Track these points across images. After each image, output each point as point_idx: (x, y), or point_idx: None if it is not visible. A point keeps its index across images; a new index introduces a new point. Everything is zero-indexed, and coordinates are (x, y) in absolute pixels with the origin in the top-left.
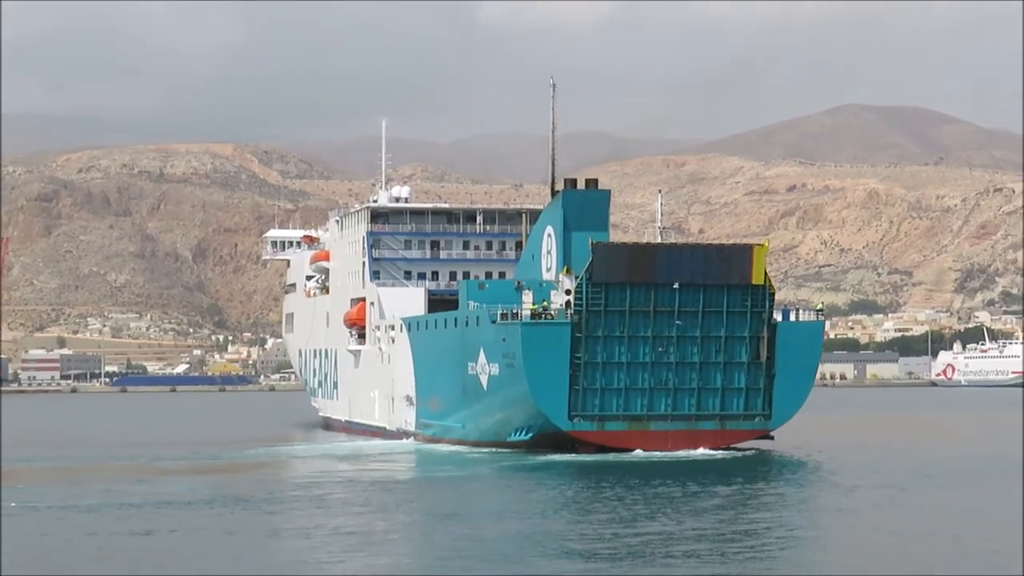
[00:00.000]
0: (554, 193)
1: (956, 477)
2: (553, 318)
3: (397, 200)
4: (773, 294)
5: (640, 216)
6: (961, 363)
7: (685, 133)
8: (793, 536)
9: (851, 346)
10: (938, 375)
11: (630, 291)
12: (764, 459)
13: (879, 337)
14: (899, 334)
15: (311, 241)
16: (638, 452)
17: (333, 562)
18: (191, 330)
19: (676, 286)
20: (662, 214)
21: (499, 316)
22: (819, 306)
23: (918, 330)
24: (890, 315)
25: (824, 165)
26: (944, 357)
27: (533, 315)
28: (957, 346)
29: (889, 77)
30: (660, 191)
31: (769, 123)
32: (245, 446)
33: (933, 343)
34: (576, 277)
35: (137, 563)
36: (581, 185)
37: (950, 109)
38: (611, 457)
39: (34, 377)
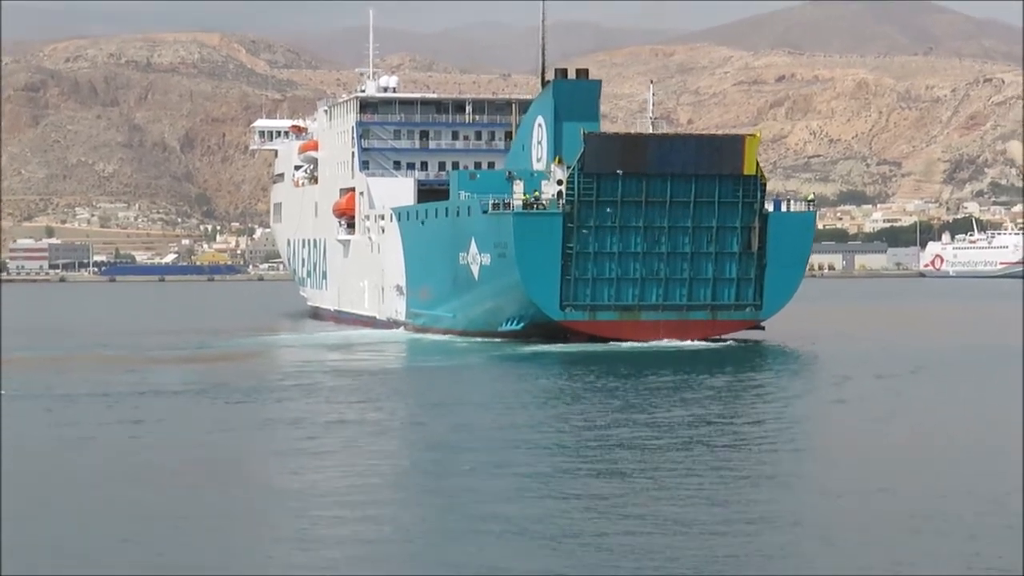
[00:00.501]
0: (544, 84)
1: (949, 368)
2: (545, 208)
3: (385, 90)
4: (765, 185)
5: (628, 106)
6: (950, 254)
7: (673, 23)
8: (787, 429)
9: (840, 237)
10: (926, 266)
11: (622, 181)
12: (756, 350)
13: (868, 228)
14: (888, 225)
15: (299, 131)
16: (629, 343)
17: (325, 452)
18: (179, 220)
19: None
20: (651, 104)
21: (491, 206)
22: (810, 196)
23: (907, 221)
24: (879, 206)
25: (813, 55)
26: (932, 248)
27: (525, 205)
28: (946, 237)
29: None
30: (652, 81)
31: (758, 13)
32: (235, 335)
33: (922, 234)
34: (568, 167)
35: (124, 455)
36: (572, 76)
37: None
38: (600, 347)
39: (22, 266)
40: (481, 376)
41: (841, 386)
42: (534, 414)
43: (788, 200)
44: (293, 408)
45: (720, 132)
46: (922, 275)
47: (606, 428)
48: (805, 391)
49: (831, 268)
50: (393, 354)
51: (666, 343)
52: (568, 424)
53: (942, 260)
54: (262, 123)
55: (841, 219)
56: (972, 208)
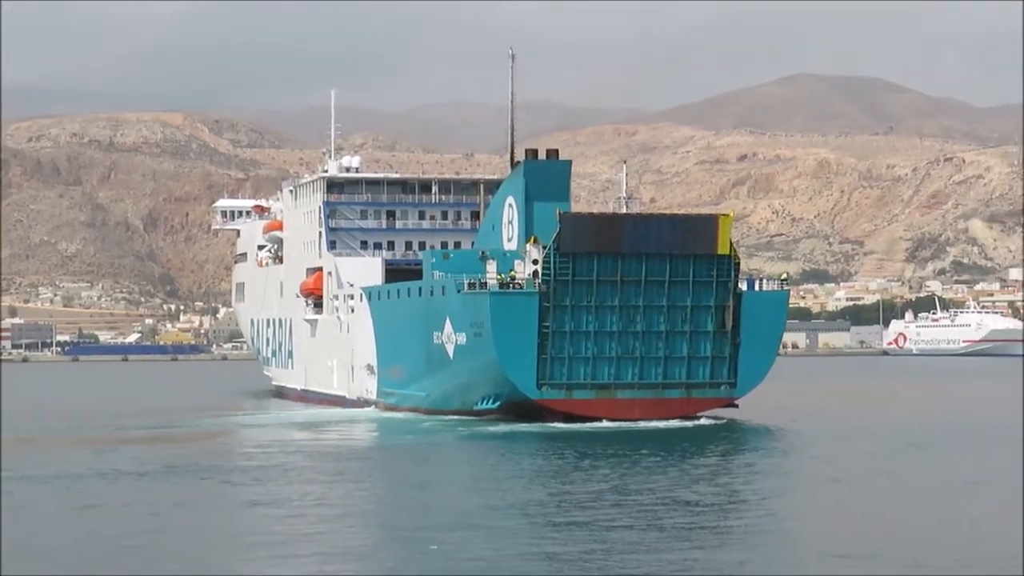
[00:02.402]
0: (514, 163)
1: (933, 446)
2: (521, 287)
3: (348, 170)
4: (738, 264)
5: (591, 185)
6: (913, 332)
7: (636, 103)
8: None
9: (803, 315)
10: (890, 344)
11: (597, 261)
12: (733, 428)
13: (831, 306)
14: (851, 303)
15: (262, 211)
16: (605, 422)
17: (311, 534)
18: (143, 299)
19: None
20: (615, 184)
21: (466, 286)
22: (783, 275)
23: (869, 299)
24: (841, 284)
25: (775, 134)
26: (896, 326)
27: (501, 285)
28: (909, 315)
29: (837, 46)
30: (624, 161)
31: (719, 92)
32: (202, 414)
33: (885, 312)
34: (543, 247)
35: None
36: (542, 155)
37: (899, 79)
38: (579, 427)
39: None
40: (458, 455)
41: (831, 464)
42: (517, 493)
43: (761, 279)
44: (275, 489)
45: (683, 211)
46: (886, 353)
47: (597, 509)
48: (795, 471)
49: (795, 346)
50: (367, 433)
51: (644, 424)
52: (547, 501)
53: (905, 338)
54: (224, 203)
55: (804, 297)
56: (935, 286)
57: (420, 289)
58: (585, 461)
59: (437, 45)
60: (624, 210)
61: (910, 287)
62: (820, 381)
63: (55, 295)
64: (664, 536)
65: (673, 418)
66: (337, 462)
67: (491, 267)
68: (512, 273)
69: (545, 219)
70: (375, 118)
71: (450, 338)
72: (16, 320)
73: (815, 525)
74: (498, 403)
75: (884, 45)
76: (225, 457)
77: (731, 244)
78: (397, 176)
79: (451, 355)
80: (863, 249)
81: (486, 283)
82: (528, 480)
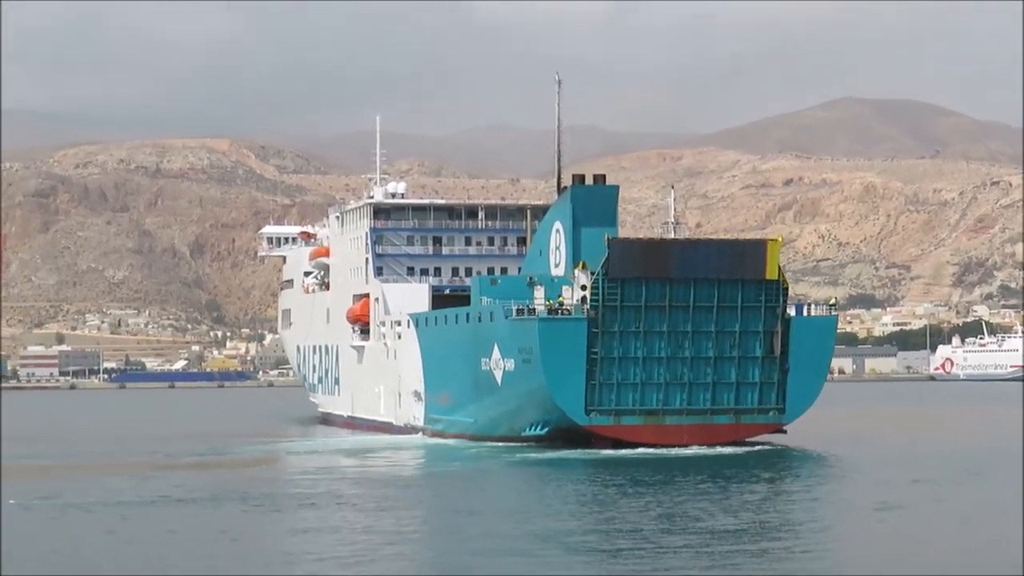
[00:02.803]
0: (561, 189)
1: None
2: (569, 313)
3: (393, 196)
4: (787, 289)
5: (636, 210)
6: (960, 357)
7: (681, 127)
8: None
9: (849, 340)
10: (937, 369)
11: (646, 286)
12: (781, 454)
13: (877, 331)
14: (897, 328)
15: (308, 237)
16: (647, 448)
17: (364, 561)
18: (189, 326)
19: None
20: (660, 209)
21: (515, 312)
22: (832, 301)
23: (916, 324)
24: (888, 309)
25: (821, 159)
26: (943, 351)
27: (549, 311)
28: (956, 340)
29: (884, 70)
30: (672, 186)
31: (765, 116)
32: (249, 441)
33: (931, 337)
34: (592, 273)
35: (145, 565)
36: (589, 181)
37: (944, 102)
38: (626, 453)
39: (33, 373)
40: (508, 481)
41: (882, 490)
42: (581, 521)
43: (809, 304)
44: (332, 516)
45: (729, 236)
46: (932, 378)
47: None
48: (846, 497)
49: (841, 372)
50: (414, 459)
51: (692, 451)
52: (596, 528)
53: (952, 363)
54: (270, 229)
55: (851, 323)
56: (981, 311)
57: (468, 315)
58: (633, 488)
59: (480, 69)
60: (672, 235)
61: (957, 312)
62: (868, 406)
63: (102, 322)
64: (713, 564)
65: (721, 444)
66: (386, 488)
67: (539, 293)
68: (560, 299)
69: (593, 244)
70: (420, 143)
71: (498, 364)
72: (63, 347)
73: (865, 552)
74: (546, 429)
75: (930, 68)
76: (274, 484)
77: (779, 269)
78: (443, 202)
79: (499, 381)
80: (910, 274)
81: (534, 309)
82: (576, 507)
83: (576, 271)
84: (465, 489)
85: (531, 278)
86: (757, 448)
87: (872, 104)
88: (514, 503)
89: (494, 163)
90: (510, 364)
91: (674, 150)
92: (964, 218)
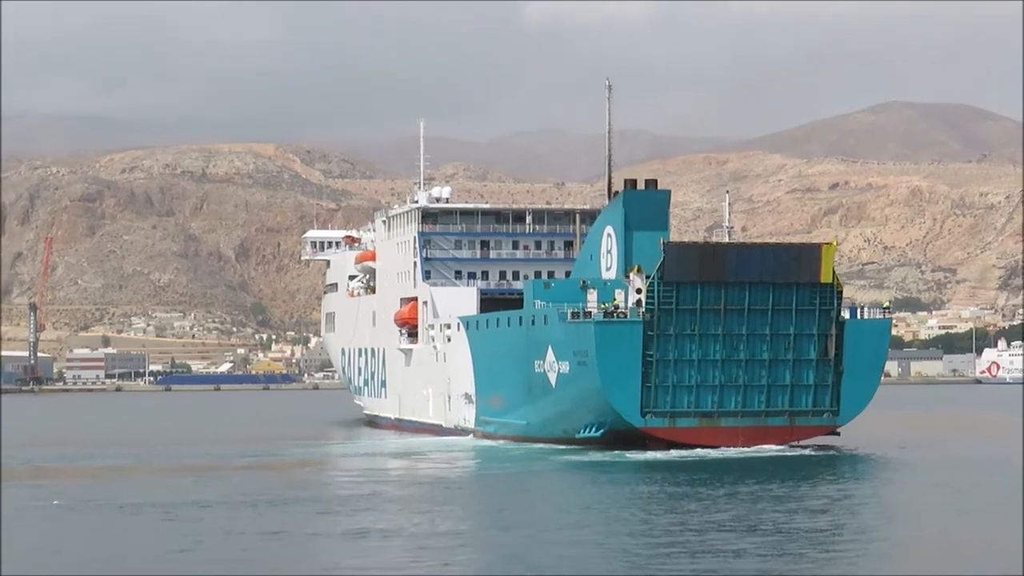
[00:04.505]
0: (611, 193)
1: None
2: (625, 316)
3: (439, 200)
4: (841, 292)
5: (682, 214)
6: (1006, 360)
7: (726, 131)
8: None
9: (895, 344)
10: (983, 372)
11: (701, 290)
12: (836, 456)
13: (923, 335)
14: (943, 331)
15: (352, 241)
16: (705, 450)
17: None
18: (235, 329)
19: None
20: (705, 213)
21: (570, 315)
22: (886, 304)
23: (962, 327)
24: (934, 313)
25: (867, 163)
26: (989, 355)
27: (605, 314)
28: (1002, 343)
29: (931, 74)
30: (727, 191)
31: (811, 120)
32: (297, 443)
33: (977, 340)
34: (647, 276)
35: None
36: (640, 185)
37: (992, 106)
38: (684, 454)
39: (79, 376)
40: (560, 482)
41: (942, 492)
42: (629, 524)
43: (863, 307)
44: (380, 517)
45: (775, 240)
46: (979, 382)
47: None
48: (905, 500)
49: (887, 375)
50: (470, 460)
51: (751, 451)
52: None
53: (998, 367)
54: (313, 233)
55: (897, 326)
56: None
57: (520, 318)
58: (693, 489)
59: (525, 73)
60: (727, 239)
61: (1003, 315)
62: (917, 409)
63: (148, 325)
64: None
65: (776, 446)
66: (447, 489)
67: (592, 296)
68: (615, 302)
69: (644, 248)
70: (465, 147)
71: (552, 367)
72: (109, 350)
73: (928, 555)
74: (601, 431)
75: (977, 72)
76: (338, 486)
77: (834, 272)
78: (491, 206)
79: (553, 383)
80: (956, 277)
81: (590, 312)
82: (634, 508)
83: (632, 275)
84: (521, 490)
85: (584, 281)
86: (811, 452)
87: (919, 108)
88: (569, 504)
89: (539, 168)
90: (565, 366)
91: (719, 154)
92: (1010, 222)
